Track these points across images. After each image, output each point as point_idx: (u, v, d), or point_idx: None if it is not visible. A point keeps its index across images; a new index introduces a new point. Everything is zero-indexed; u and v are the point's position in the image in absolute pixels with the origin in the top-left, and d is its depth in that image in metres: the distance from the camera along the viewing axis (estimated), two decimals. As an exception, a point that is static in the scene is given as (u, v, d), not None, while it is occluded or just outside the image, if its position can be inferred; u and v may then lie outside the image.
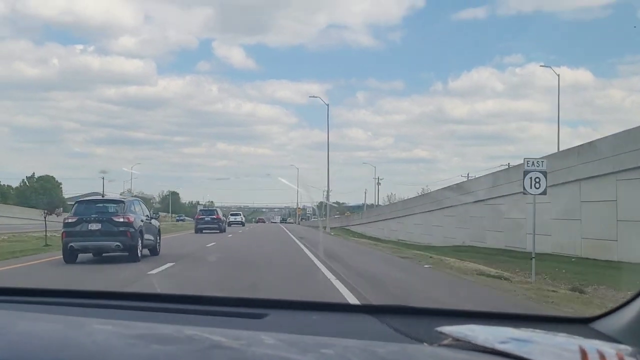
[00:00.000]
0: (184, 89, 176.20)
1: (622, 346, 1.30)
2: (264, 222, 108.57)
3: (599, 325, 1.96)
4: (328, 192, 57.60)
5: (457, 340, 1.35)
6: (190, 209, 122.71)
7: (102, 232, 15.68)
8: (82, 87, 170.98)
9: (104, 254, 16.46)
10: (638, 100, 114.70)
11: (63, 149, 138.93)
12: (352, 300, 8.97)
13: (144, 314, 2.05)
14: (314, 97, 43.61)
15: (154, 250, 17.89)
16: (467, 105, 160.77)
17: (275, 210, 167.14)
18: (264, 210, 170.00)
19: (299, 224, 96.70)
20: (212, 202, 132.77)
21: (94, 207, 16.49)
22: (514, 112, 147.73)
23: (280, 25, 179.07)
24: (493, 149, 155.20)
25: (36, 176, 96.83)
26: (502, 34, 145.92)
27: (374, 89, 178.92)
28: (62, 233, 16.14)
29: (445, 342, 1.38)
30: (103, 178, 71.06)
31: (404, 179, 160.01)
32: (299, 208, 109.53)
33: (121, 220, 15.77)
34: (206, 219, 41.08)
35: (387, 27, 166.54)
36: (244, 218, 69.07)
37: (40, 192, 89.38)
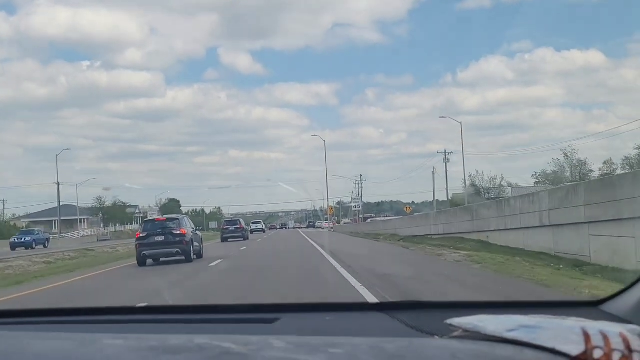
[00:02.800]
0: (193, 98, 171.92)
1: (632, 326, 1.30)
2: (276, 228, 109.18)
3: (608, 307, 1.98)
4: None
5: (467, 331, 1.38)
6: (194, 218, 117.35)
7: (165, 242, 20.95)
8: (92, 103, 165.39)
9: (161, 259, 21.54)
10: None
11: (75, 166, 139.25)
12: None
13: (155, 326, 2.12)
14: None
15: (199, 255, 23.05)
16: (478, 95, 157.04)
17: (292, 214, 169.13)
18: (280, 214, 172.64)
19: (332, 229, 69.44)
20: (219, 208, 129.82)
21: (157, 224, 21.94)
22: (525, 99, 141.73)
23: (285, 27, 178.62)
24: (506, 138, 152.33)
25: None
26: (509, 21, 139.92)
27: (383, 85, 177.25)
28: (136, 245, 21.48)
29: (456, 334, 1.42)
30: (58, 187, 71.77)
31: (421, 173, 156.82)
32: (330, 207, 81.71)
33: (178, 232, 21.06)
34: (230, 228, 46.79)
35: (392, 22, 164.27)
36: (264, 225, 75.97)
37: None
